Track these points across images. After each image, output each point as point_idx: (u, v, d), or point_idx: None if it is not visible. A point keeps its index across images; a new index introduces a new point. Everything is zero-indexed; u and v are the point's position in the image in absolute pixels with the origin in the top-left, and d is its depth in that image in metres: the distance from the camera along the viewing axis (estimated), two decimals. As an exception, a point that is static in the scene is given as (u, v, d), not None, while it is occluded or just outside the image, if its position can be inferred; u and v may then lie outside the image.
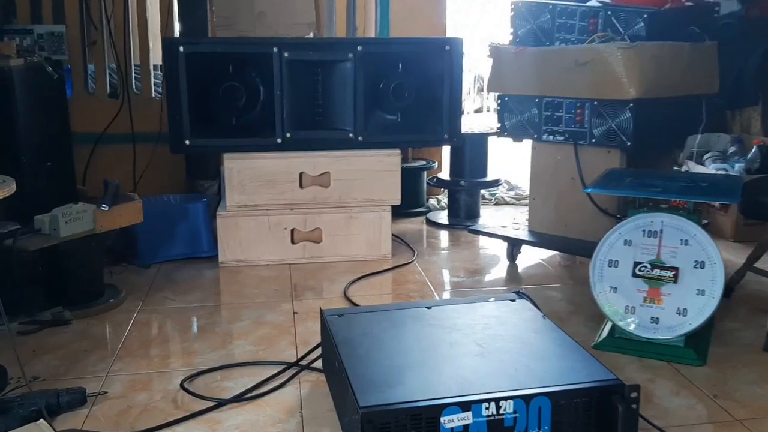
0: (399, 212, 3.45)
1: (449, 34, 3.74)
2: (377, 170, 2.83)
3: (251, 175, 2.76)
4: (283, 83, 2.72)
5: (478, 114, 9.31)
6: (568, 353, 1.57)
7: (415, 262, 2.86)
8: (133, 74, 3.66)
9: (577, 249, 2.56)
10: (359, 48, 2.74)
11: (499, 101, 2.73)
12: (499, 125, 2.75)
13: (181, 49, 2.64)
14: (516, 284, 2.60)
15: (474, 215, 3.47)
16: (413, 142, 3.12)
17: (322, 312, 1.80)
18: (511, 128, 2.71)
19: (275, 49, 2.69)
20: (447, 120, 2.86)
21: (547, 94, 2.57)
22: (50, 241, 2.24)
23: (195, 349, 2.06)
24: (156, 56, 3.71)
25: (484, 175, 3.44)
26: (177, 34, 3.52)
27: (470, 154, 3.36)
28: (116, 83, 3.60)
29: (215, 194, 3.38)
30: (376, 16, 3.70)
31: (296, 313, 2.32)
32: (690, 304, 1.95)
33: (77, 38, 3.51)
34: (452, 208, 3.49)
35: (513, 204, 3.84)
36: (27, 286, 2.36)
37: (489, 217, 3.51)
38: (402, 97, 2.86)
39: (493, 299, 1.89)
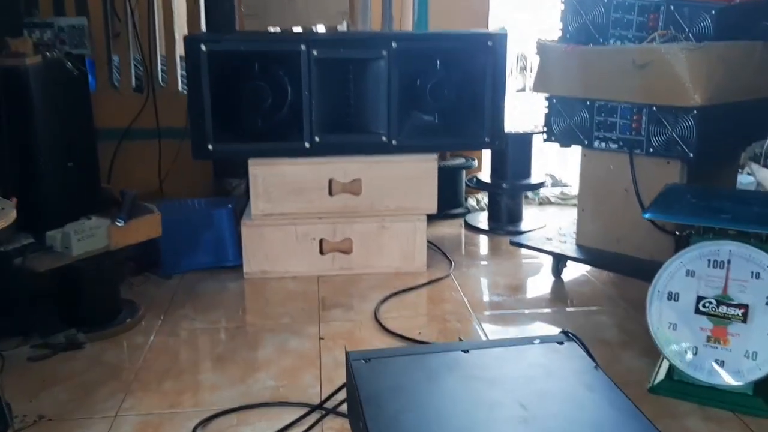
0: (436, 214, 3.23)
1: (493, 20, 3.51)
2: (412, 177, 2.63)
3: (277, 183, 2.59)
4: (311, 83, 2.53)
5: (520, 93, 8.98)
6: (625, 420, 1.37)
7: (451, 275, 2.67)
8: (159, 67, 3.50)
9: (630, 269, 2.33)
10: (394, 44, 2.52)
11: (547, 103, 2.49)
12: (545, 129, 2.52)
13: (203, 47, 2.46)
14: (561, 305, 2.40)
15: (516, 219, 3.26)
16: (451, 146, 2.90)
17: (347, 355, 1.62)
18: (558, 133, 2.48)
19: (303, 47, 2.49)
20: (489, 122, 2.64)
21: (599, 97, 2.33)
22: (61, 260, 2.10)
23: (212, 383, 1.91)
24: (182, 48, 3.55)
25: (528, 176, 3.21)
26: (203, 24, 3.35)
27: (513, 155, 3.13)
28: (142, 76, 3.45)
29: (243, 194, 3.22)
30: (414, 3, 3.47)
31: (322, 338, 2.16)
32: (761, 347, 1.73)
33: (101, 30, 3.36)
34: (493, 211, 3.28)
35: (558, 204, 3.61)
36: (40, 305, 2.23)
37: (532, 220, 3.29)
38: (440, 97, 2.65)
39: (538, 341, 1.69)
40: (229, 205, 2.78)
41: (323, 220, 2.64)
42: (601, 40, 2.34)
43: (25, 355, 2.08)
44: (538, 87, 2.50)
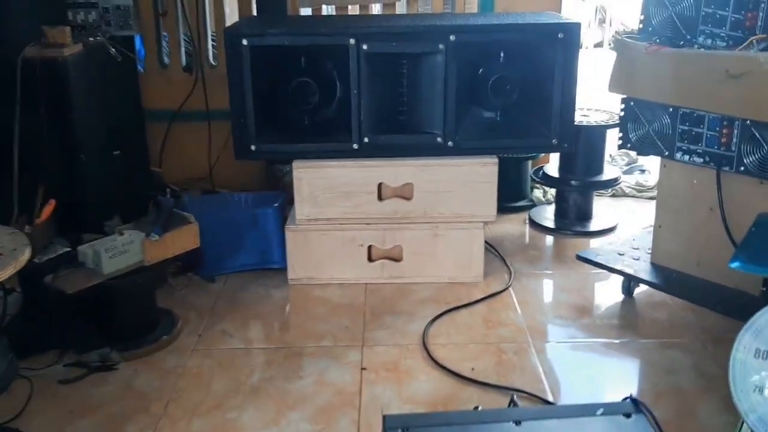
0: (498, 206, 3.01)
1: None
2: (470, 181, 2.41)
3: (324, 186, 2.41)
4: (360, 79, 2.31)
5: (597, 48, 8.46)
6: None
7: (510, 288, 2.46)
8: (210, 44, 3.34)
9: (712, 302, 2.07)
10: (452, 37, 2.27)
11: (623, 106, 2.21)
12: (621, 134, 2.25)
13: (245, 42, 2.27)
14: (632, 334, 2.17)
15: (586, 217, 3.00)
16: (515, 148, 2.65)
17: (384, 420, 1.46)
18: (635, 140, 2.21)
19: (352, 41, 2.27)
20: (557, 122, 2.38)
21: (685, 105, 2.05)
22: (92, 279, 1.99)
23: (243, 425, 1.78)
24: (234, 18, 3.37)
25: (600, 172, 2.93)
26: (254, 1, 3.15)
27: (585, 148, 2.86)
28: (192, 55, 3.30)
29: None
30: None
31: (364, 369, 2.00)
32: None
33: (149, 8, 3.20)
34: (560, 207, 3.03)
35: (634, 196, 3.31)
36: (76, 319, 2.14)
37: (604, 217, 3.02)
38: (502, 94, 2.40)
39: (601, 411, 1.48)
40: (276, 204, 2.62)
41: (372, 225, 2.45)
42: (688, 36, 2.03)
43: (57, 375, 2.00)
44: (614, 87, 2.22)
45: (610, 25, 8.63)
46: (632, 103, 2.20)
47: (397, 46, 2.31)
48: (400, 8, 3.26)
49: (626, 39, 2.15)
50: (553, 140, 2.40)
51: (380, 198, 2.44)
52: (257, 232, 2.62)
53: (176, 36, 3.26)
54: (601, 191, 3.20)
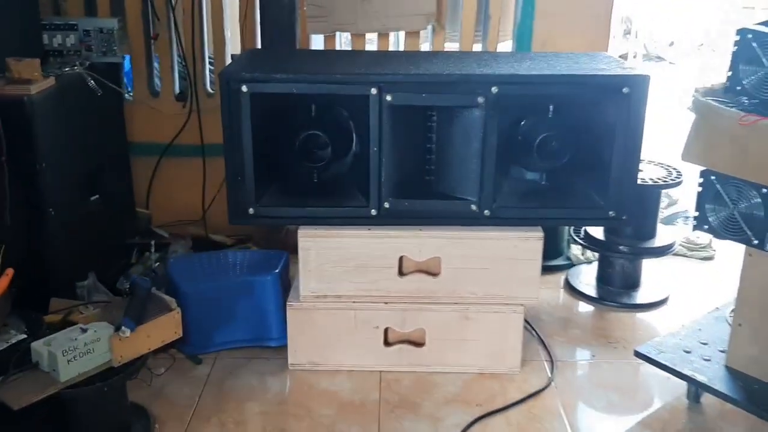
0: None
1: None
2: (509, 257, 2.02)
3: (335, 258, 2.02)
4: (382, 135, 1.93)
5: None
6: None
7: (553, 384, 2.07)
8: (207, 71, 2.95)
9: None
10: (494, 90, 1.88)
11: (701, 180, 1.82)
12: (697, 214, 1.85)
13: (244, 89, 1.88)
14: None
15: (633, 285, 2.61)
16: (563, 220, 2.25)
17: None
18: (716, 222, 1.81)
19: (374, 90, 1.88)
20: (616, 190, 1.99)
21: (785, 188, 1.66)
22: (46, 389, 1.60)
23: None
24: (234, 47, 2.97)
25: (653, 236, 2.54)
26: (258, 22, 2.76)
27: (636, 209, 2.44)
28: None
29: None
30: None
31: None
32: None
33: (139, 31, 2.81)
34: (603, 272, 2.64)
35: (685, 256, 2.92)
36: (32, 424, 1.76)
37: (654, 285, 2.63)
38: (550, 155, 2.01)
39: None
40: (276, 270, 2.23)
41: (390, 305, 2.07)
42: (792, 103, 1.64)
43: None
44: (690, 156, 1.82)
45: (636, 37, 8.23)
46: (713, 178, 1.80)
47: (427, 98, 1.92)
48: (424, 36, 2.87)
49: (711, 101, 1.76)
50: (610, 212, 2.01)
51: (401, 273, 2.05)
52: (253, 303, 2.23)
53: (169, 60, 2.87)
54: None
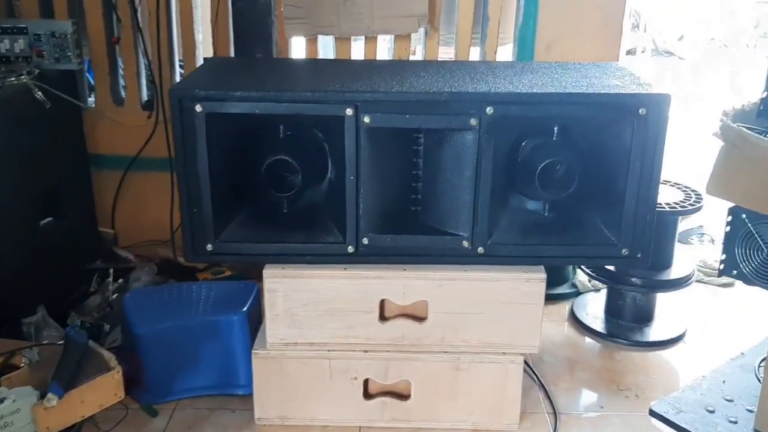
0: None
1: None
2: (507, 301, 1.76)
3: (306, 300, 1.76)
4: (360, 162, 1.66)
5: (630, 56, 7.73)
6: None
7: (556, 444, 1.81)
8: (178, 76, 2.68)
9: None
10: (489, 110, 1.62)
11: (730, 218, 1.56)
12: (723, 257, 1.59)
13: (198, 108, 1.62)
14: None
15: (645, 318, 2.35)
16: (569, 258, 1.96)
17: None
18: (748, 268, 1.55)
19: (349, 111, 1.61)
20: (630, 225, 1.72)
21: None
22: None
23: None
24: (207, 50, 2.70)
25: (669, 265, 2.27)
26: (230, 23, 2.49)
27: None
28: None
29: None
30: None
31: None
32: None
33: (101, 35, 2.54)
34: (613, 304, 2.38)
35: (702, 282, 2.65)
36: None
37: (667, 318, 2.37)
38: (555, 184, 1.74)
39: None
40: (243, 308, 1.97)
41: (371, 353, 1.81)
42: (844, 133, 1.37)
43: None
44: (717, 189, 1.56)
45: (645, 31, 7.92)
46: (744, 216, 1.54)
47: (412, 120, 1.64)
48: (416, 39, 2.60)
49: (743, 129, 1.48)
50: (623, 249, 1.74)
51: (383, 318, 1.79)
52: (217, 345, 1.98)
53: (134, 66, 2.60)
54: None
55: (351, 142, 1.65)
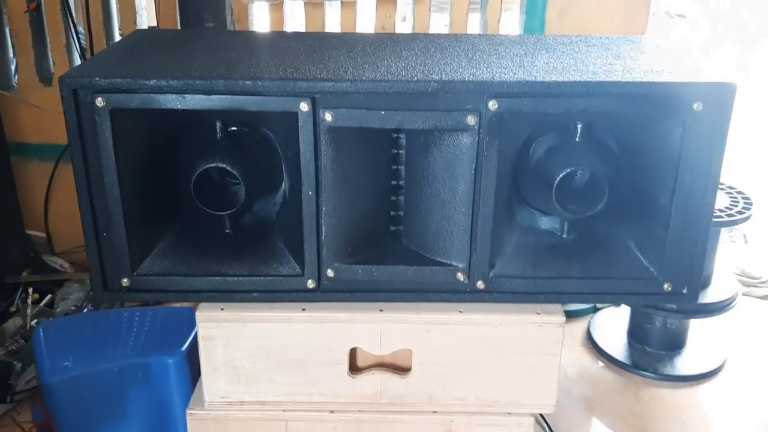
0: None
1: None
2: (514, 350, 1.36)
3: (254, 350, 1.36)
4: (320, 172, 1.25)
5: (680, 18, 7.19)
6: None
7: None
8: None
9: None
10: (492, 105, 1.20)
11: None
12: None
13: (100, 102, 1.19)
14: None
15: (677, 346, 1.96)
16: (594, 295, 1.51)
17: None
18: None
19: (304, 106, 1.19)
20: (674, 252, 1.31)
21: None
22: None
23: None
24: (151, 18, 2.26)
25: (707, 284, 1.87)
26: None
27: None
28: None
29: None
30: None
31: None
32: None
33: (21, 1, 2.11)
34: (638, 326, 1.98)
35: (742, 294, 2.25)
36: None
37: (701, 344, 1.98)
38: (578, 199, 1.33)
39: None
40: (182, 348, 1.57)
41: (338, 414, 1.42)
42: None
43: None
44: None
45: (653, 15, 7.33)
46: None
47: (389, 117, 1.22)
48: (404, 2, 2.16)
49: None
50: (665, 284, 1.34)
51: (354, 371, 1.40)
52: (149, 396, 1.58)
53: (63, 38, 2.16)
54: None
55: (308, 147, 1.23)
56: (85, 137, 1.23)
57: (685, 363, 1.91)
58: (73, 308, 2.01)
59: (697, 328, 1.98)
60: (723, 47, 6.43)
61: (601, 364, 1.97)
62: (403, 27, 2.33)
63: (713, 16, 7.13)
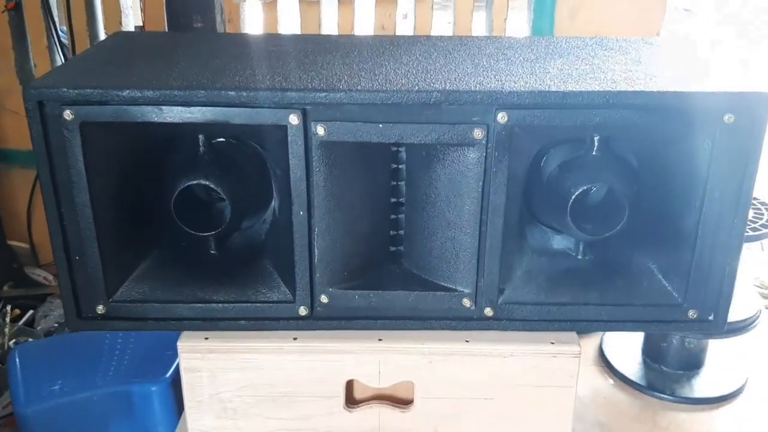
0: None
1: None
2: (525, 384, 1.25)
3: (242, 383, 1.25)
4: (312, 190, 1.14)
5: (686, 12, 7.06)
6: None
7: None
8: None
9: None
10: (502, 117, 1.08)
11: None
12: None
13: (68, 114, 1.08)
14: None
15: (695, 365, 1.84)
16: (613, 323, 1.37)
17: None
18: None
19: (293, 119, 1.08)
20: (701, 276, 1.20)
21: None
22: None
23: None
24: (138, 16, 2.15)
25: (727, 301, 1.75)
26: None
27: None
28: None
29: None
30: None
31: None
32: None
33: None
34: (653, 344, 1.86)
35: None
36: None
37: (719, 363, 1.87)
38: (594, 218, 1.21)
39: None
40: (167, 374, 1.46)
41: (334, 450, 1.30)
42: None
43: None
44: None
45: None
46: None
47: (387, 131, 1.11)
48: (405, 4, 2.04)
49: None
50: (690, 311, 1.23)
51: (350, 404, 1.28)
52: (131, 423, 1.47)
53: (44, 39, 2.05)
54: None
55: (298, 164, 1.12)
56: (53, 154, 1.12)
57: (704, 384, 1.80)
58: (55, 325, 1.90)
59: (716, 345, 1.87)
60: (730, 45, 6.31)
61: (611, 381, 1.86)
62: (405, 26, 2.21)
63: (721, 9, 7.00)
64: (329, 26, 2.11)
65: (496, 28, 2.01)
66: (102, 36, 2.12)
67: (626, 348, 1.93)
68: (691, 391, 1.79)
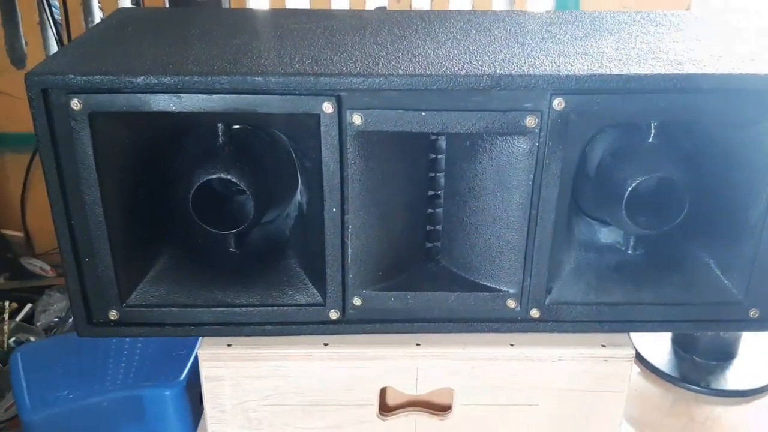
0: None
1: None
2: (574, 389, 1.16)
3: (268, 392, 1.16)
4: (346, 185, 1.03)
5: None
6: None
7: None
8: (99, 18, 2.01)
9: None
10: (558, 103, 0.98)
11: None
12: None
13: (76, 105, 0.97)
14: None
15: (728, 356, 1.77)
16: (669, 323, 1.26)
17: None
18: None
19: (327, 107, 0.97)
20: (763, 274, 1.11)
21: None
22: None
23: None
24: (136, -9, 2.02)
25: None
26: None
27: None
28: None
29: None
30: None
31: None
32: None
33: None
34: (684, 335, 1.79)
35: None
36: None
37: (753, 354, 1.79)
38: (651, 212, 1.12)
39: None
40: (180, 377, 1.37)
41: (367, 461, 1.21)
42: None
43: None
44: None
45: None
46: None
47: (431, 119, 1.00)
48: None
49: None
50: (751, 310, 1.14)
51: (385, 412, 1.20)
52: (143, 430, 1.37)
53: (36, 14, 1.92)
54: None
55: (332, 156, 1.01)
56: (60, 147, 1.01)
57: (739, 375, 1.73)
58: (55, 320, 1.80)
59: (749, 334, 1.80)
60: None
61: (637, 369, 1.79)
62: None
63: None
64: (339, 2, 1.99)
65: (517, 0, 1.90)
66: (96, 11, 1.98)
67: (654, 336, 1.85)
68: (725, 382, 1.72)
